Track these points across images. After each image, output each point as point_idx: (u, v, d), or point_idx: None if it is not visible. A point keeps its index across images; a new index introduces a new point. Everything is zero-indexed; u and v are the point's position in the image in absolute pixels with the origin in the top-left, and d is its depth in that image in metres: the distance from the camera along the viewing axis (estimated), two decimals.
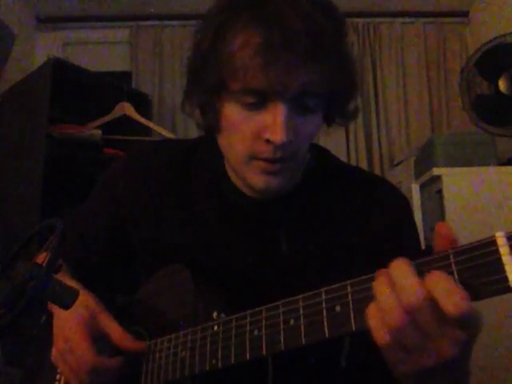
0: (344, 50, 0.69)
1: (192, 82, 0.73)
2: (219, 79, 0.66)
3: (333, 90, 0.68)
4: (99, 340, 0.73)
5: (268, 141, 0.66)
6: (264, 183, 0.70)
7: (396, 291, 0.47)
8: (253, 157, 0.69)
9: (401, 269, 0.48)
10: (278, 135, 0.64)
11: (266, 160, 0.68)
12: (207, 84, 0.68)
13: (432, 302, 0.45)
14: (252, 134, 0.67)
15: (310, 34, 0.62)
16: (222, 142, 0.73)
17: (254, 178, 0.70)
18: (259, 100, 0.66)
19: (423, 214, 1.96)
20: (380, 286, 0.49)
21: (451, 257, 0.47)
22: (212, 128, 0.74)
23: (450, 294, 0.44)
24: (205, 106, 0.72)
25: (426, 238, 1.91)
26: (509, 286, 0.43)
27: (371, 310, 0.49)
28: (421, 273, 0.47)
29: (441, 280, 0.45)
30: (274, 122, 0.65)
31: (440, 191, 1.88)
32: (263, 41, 0.61)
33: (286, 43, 0.61)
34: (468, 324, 0.46)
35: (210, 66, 0.67)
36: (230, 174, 0.80)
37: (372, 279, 0.51)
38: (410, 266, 0.48)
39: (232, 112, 0.68)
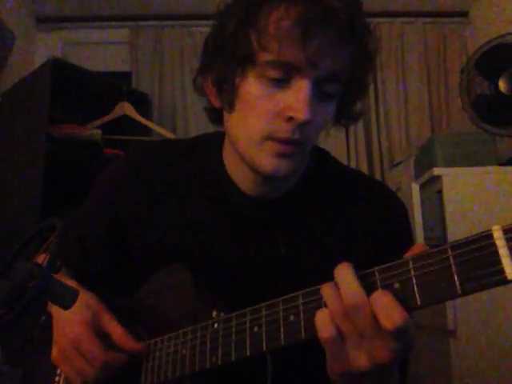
0: (370, 39, 0.70)
1: (212, 55, 0.72)
2: (248, 51, 0.66)
3: (352, 78, 0.69)
4: (101, 339, 0.73)
5: (289, 119, 0.66)
6: (274, 166, 0.69)
7: (339, 290, 0.52)
8: (268, 137, 0.68)
9: (342, 272, 0.52)
10: (302, 113, 0.64)
11: (281, 141, 0.68)
12: (233, 56, 0.67)
13: (370, 309, 0.49)
14: (272, 112, 0.67)
15: (348, 12, 0.64)
16: (235, 121, 0.72)
17: (264, 161, 0.69)
18: (285, 76, 0.65)
19: (423, 214, 1.96)
20: (326, 287, 0.53)
21: (449, 250, 0.48)
22: (226, 105, 0.72)
23: (389, 310, 0.48)
24: (223, 80, 0.70)
25: (425, 238, 1.91)
26: (505, 278, 0.44)
27: (321, 311, 0.53)
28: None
29: (382, 297, 0.49)
30: (299, 99, 0.65)
31: (440, 191, 1.88)
32: (304, 13, 0.62)
33: (326, 18, 0.62)
34: (402, 337, 0.49)
35: (238, 38, 0.66)
36: (231, 173, 0.79)
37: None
38: (351, 269, 0.52)
39: (254, 87, 0.67)
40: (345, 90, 0.70)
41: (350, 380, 0.54)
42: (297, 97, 0.65)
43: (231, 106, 0.71)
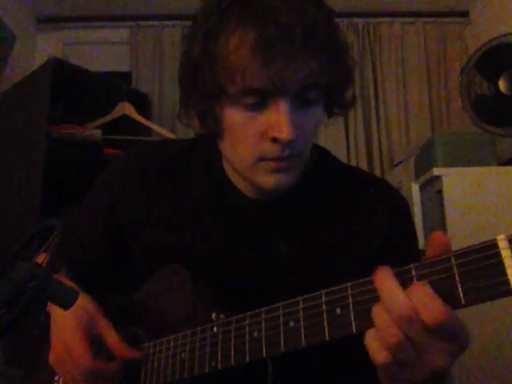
0: (338, 39, 0.68)
1: (187, 90, 0.71)
2: (216, 84, 0.65)
3: (332, 79, 0.68)
4: (96, 343, 0.73)
5: (275, 140, 0.65)
6: (274, 182, 0.69)
7: (385, 305, 0.48)
8: (261, 158, 0.68)
9: (384, 281, 0.48)
10: (285, 133, 0.64)
11: (274, 159, 0.67)
12: (204, 91, 0.67)
13: (418, 313, 0.46)
14: (257, 136, 0.66)
15: (304, 25, 0.61)
16: (225, 147, 0.72)
17: (263, 179, 0.69)
18: (259, 100, 0.65)
19: (423, 213, 1.96)
20: (376, 308, 0.49)
21: (452, 259, 0.46)
22: (213, 135, 0.72)
23: (427, 305, 0.45)
24: (204, 113, 0.70)
25: (426, 238, 1.91)
26: (510, 289, 0.43)
27: (371, 333, 0.49)
28: (405, 281, 0.48)
29: (420, 291, 0.46)
30: (279, 120, 0.64)
31: (440, 191, 1.88)
32: (259, 38, 0.61)
33: (282, 37, 0.60)
34: (453, 335, 0.47)
35: (205, 72, 0.65)
36: (230, 175, 0.79)
37: (372, 281, 0.51)
38: (392, 277, 0.48)
39: (233, 116, 0.67)
40: (329, 89, 0.69)
41: None
42: (276, 118, 0.64)
43: (219, 136, 0.71)
